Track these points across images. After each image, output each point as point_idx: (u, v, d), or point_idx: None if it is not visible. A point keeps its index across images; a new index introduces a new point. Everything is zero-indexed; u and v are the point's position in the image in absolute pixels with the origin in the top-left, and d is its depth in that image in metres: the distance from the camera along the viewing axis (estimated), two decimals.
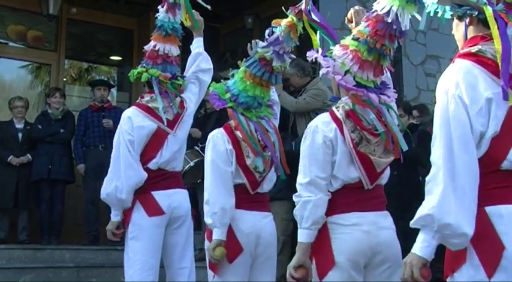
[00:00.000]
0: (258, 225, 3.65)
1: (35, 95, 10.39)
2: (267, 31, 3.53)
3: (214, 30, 10.16)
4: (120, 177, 4.06)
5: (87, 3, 9.85)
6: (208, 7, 4.21)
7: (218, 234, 3.52)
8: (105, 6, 9.95)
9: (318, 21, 3.41)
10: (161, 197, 4.11)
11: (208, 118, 7.55)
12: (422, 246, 2.35)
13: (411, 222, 2.35)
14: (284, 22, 3.46)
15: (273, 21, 3.51)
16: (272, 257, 3.77)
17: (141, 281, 4.03)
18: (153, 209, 4.07)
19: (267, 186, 3.74)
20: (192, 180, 6.55)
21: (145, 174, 4.08)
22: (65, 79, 10.36)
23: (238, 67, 7.04)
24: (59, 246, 7.46)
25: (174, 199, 4.16)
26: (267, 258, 3.72)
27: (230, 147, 3.61)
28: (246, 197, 3.65)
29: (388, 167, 3.19)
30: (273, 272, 3.77)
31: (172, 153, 4.16)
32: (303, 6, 3.44)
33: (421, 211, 2.31)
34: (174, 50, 4.24)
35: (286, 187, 6.29)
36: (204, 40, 4.36)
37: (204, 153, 3.98)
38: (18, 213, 7.94)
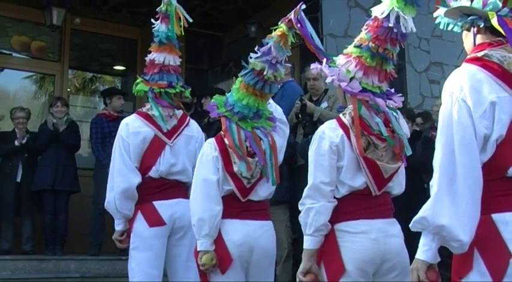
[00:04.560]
0: (253, 236, 3.59)
1: (39, 106, 10.41)
2: (263, 41, 3.55)
3: (218, 39, 10.22)
4: (119, 184, 4.07)
5: (90, 13, 9.88)
6: (190, 19, 4.22)
7: (199, 245, 3.54)
8: (108, 16, 9.96)
9: (304, 33, 3.40)
10: (162, 207, 4.08)
11: (211, 127, 7.57)
12: (423, 250, 2.36)
13: (410, 225, 2.37)
14: (275, 32, 3.49)
15: (268, 35, 3.52)
16: (269, 267, 3.74)
17: None
18: (154, 219, 4.05)
19: (262, 193, 3.69)
20: None
21: (135, 181, 4.05)
22: (69, 89, 10.38)
23: None
24: (64, 256, 7.46)
25: (176, 209, 4.10)
26: (263, 268, 3.68)
27: (216, 154, 3.62)
28: (238, 206, 3.62)
29: (403, 176, 3.21)
30: None
31: (171, 164, 4.11)
32: (292, 16, 3.44)
33: (418, 214, 2.33)
34: (172, 59, 4.23)
35: (288, 192, 6.35)
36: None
37: None
38: (22, 224, 7.95)
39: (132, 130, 4.11)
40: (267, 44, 3.50)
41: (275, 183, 3.66)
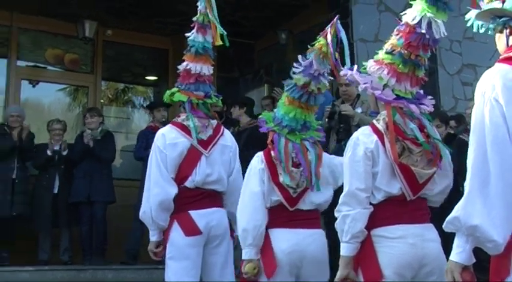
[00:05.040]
0: (302, 244, 3.67)
1: (73, 117, 10.52)
2: (300, 56, 3.69)
3: (249, 47, 10.25)
4: (156, 195, 4.06)
5: (121, 24, 9.97)
6: (224, 32, 4.20)
7: (244, 254, 3.68)
8: (139, 27, 10.05)
9: (330, 47, 3.54)
10: (198, 216, 4.08)
11: (240, 135, 7.60)
12: (457, 252, 2.33)
13: (443, 225, 2.36)
14: (315, 46, 3.63)
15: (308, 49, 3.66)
16: (321, 275, 3.79)
17: None
18: (190, 229, 4.05)
19: (315, 200, 3.78)
20: None
21: (171, 192, 4.04)
22: (102, 100, 10.48)
23: (272, 83, 7.15)
24: (101, 266, 7.51)
25: (211, 218, 4.11)
26: (314, 277, 3.74)
27: (263, 166, 3.75)
28: (286, 215, 3.72)
29: (449, 183, 3.20)
30: None
31: (206, 174, 4.10)
32: (329, 30, 3.57)
33: (451, 214, 2.31)
34: (206, 69, 4.22)
35: None
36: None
37: None
38: (59, 235, 8.06)
39: (169, 141, 4.10)
40: (307, 58, 3.65)
41: (319, 189, 3.73)
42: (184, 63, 4.24)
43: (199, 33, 4.19)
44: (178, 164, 4.09)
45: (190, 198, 4.09)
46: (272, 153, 3.76)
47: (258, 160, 3.81)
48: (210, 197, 4.15)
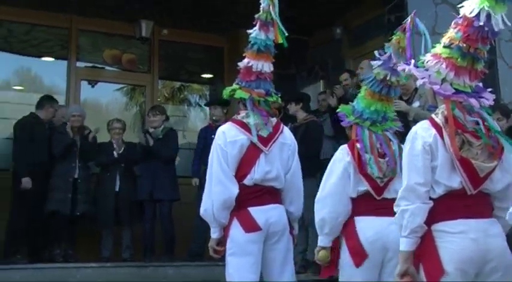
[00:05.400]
0: (385, 232, 3.78)
1: (131, 116, 10.72)
2: (376, 52, 3.90)
3: (303, 43, 10.21)
4: (219, 193, 4.05)
5: (177, 23, 10.06)
6: (286, 33, 4.18)
7: (319, 241, 4.00)
8: (194, 26, 10.12)
9: (407, 42, 3.66)
10: (258, 212, 4.07)
11: (296, 132, 7.61)
12: None
13: (506, 217, 2.32)
14: (393, 40, 3.87)
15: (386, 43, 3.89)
16: None
17: None
18: (250, 225, 4.04)
19: (396, 191, 3.73)
20: None
21: (234, 191, 4.04)
22: (159, 99, 10.59)
23: (328, 79, 7.17)
24: (162, 263, 7.61)
25: (270, 215, 4.09)
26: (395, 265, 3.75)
27: (348, 159, 3.93)
28: (373, 204, 3.89)
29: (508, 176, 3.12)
30: None
31: (265, 172, 4.09)
32: (407, 24, 3.71)
33: None
34: (267, 67, 4.18)
35: None
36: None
37: None
38: (121, 232, 8.21)
39: (229, 139, 4.10)
40: (386, 52, 3.87)
41: None
42: (246, 61, 4.20)
43: (262, 30, 4.14)
44: (239, 162, 4.09)
45: (250, 195, 4.08)
46: (358, 145, 3.94)
47: (343, 153, 3.98)
48: (269, 194, 4.14)
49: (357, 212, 3.90)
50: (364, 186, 3.89)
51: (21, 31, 9.64)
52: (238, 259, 4.04)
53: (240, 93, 4.21)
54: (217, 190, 4.04)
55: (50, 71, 9.93)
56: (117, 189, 8.15)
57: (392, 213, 3.59)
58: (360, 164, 3.89)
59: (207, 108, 9.30)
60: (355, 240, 3.84)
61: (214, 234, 4.13)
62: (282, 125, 4.31)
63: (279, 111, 8.67)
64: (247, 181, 4.09)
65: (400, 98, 6.67)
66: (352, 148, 3.95)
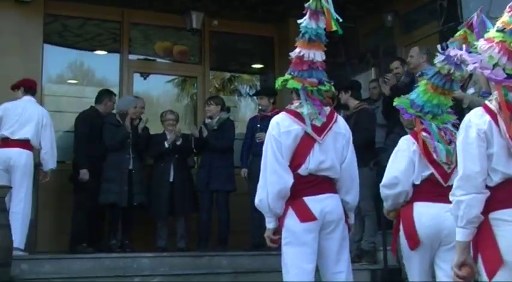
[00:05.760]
0: (441, 218, 3.98)
1: (182, 108, 10.76)
2: (438, 46, 4.04)
3: (353, 31, 10.05)
4: (274, 183, 4.07)
5: (227, 14, 10.07)
6: (340, 18, 4.15)
7: (385, 207, 4.39)
8: (244, 16, 10.12)
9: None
10: (313, 202, 4.07)
11: (348, 119, 7.57)
12: None
13: None
14: (457, 36, 4.04)
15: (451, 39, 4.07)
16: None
17: None
18: (305, 215, 4.05)
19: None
20: None
21: (289, 181, 4.05)
22: (210, 90, 10.64)
23: (380, 66, 7.15)
24: (216, 252, 7.66)
25: (326, 204, 4.09)
26: (449, 248, 3.93)
27: (415, 148, 4.16)
28: (437, 190, 4.09)
29: None
30: None
31: (320, 161, 4.09)
32: (474, 20, 3.77)
33: None
34: (319, 56, 4.18)
35: None
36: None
37: None
38: (175, 222, 8.30)
39: (283, 129, 4.10)
40: (448, 47, 4.01)
41: None
42: (297, 50, 4.20)
43: (312, 19, 4.13)
44: (293, 152, 4.09)
45: (305, 185, 4.08)
46: (423, 133, 4.15)
47: (407, 143, 4.22)
48: (324, 183, 4.14)
49: (418, 198, 4.12)
50: (429, 171, 4.11)
51: (75, 25, 9.75)
52: (293, 248, 4.05)
53: (292, 83, 4.20)
54: (272, 180, 4.05)
55: (103, 64, 10.04)
56: (171, 179, 8.23)
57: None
58: (426, 152, 4.10)
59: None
60: (410, 226, 4.07)
61: (270, 224, 4.15)
62: (336, 114, 4.29)
63: (333, 100, 8.66)
64: (301, 171, 4.09)
65: None
66: (416, 138, 4.16)
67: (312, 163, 4.08)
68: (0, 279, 5.79)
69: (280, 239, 4.15)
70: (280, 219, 4.12)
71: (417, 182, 4.13)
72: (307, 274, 4.02)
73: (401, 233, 4.18)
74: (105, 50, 10.01)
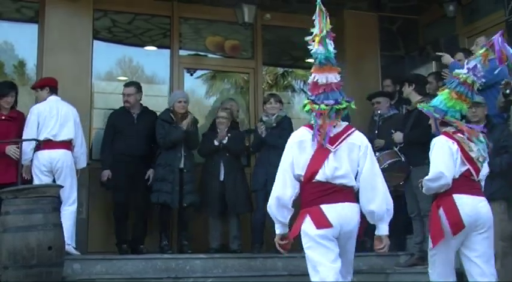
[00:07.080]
0: (478, 209, 4.84)
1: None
2: (461, 54, 4.76)
3: (412, 22, 9.84)
4: (276, 191, 4.28)
5: (279, 7, 9.90)
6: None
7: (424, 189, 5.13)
8: (297, 9, 9.87)
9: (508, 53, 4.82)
10: (330, 209, 4.19)
11: (409, 115, 7.27)
12: None
13: None
14: (479, 53, 4.91)
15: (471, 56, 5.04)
16: (488, 231, 4.88)
17: None
18: (321, 222, 4.17)
19: (483, 174, 5.01)
20: (394, 182, 6.61)
21: (289, 192, 4.26)
22: (263, 86, 10.41)
23: (440, 60, 7.52)
24: (270, 254, 7.48)
25: (342, 213, 4.20)
26: (481, 233, 4.85)
27: (455, 145, 4.88)
28: (470, 184, 4.89)
29: None
30: (490, 243, 4.91)
31: (335, 168, 4.22)
32: (495, 41, 4.71)
33: None
34: (333, 78, 4.34)
35: (503, 186, 6.19)
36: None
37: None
38: (228, 223, 8.15)
39: (297, 139, 4.33)
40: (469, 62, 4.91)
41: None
42: (312, 76, 4.39)
43: (320, 45, 4.35)
44: (307, 162, 4.25)
45: (322, 193, 4.21)
46: (459, 134, 4.90)
47: (446, 141, 4.90)
48: (341, 192, 4.24)
49: (456, 190, 4.84)
50: (465, 167, 4.87)
51: (124, 21, 9.65)
52: (315, 251, 4.16)
53: (307, 107, 4.38)
54: (275, 187, 4.30)
55: (152, 60, 9.89)
56: (221, 178, 8.07)
57: (481, 194, 4.93)
58: (463, 150, 4.86)
59: None
60: (456, 214, 4.78)
61: (277, 229, 4.36)
62: (353, 129, 4.42)
63: (391, 95, 8.40)
64: (318, 177, 4.22)
65: None
66: (453, 138, 4.89)
67: (327, 170, 4.22)
68: (53, 279, 5.84)
69: (289, 244, 4.38)
70: (298, 224, 4.24)
71: (456, 176, 4.85)
72: (334, 272, 4.08)
73: (443, 221, 4.82)
74: (154, 46, 9.90)
